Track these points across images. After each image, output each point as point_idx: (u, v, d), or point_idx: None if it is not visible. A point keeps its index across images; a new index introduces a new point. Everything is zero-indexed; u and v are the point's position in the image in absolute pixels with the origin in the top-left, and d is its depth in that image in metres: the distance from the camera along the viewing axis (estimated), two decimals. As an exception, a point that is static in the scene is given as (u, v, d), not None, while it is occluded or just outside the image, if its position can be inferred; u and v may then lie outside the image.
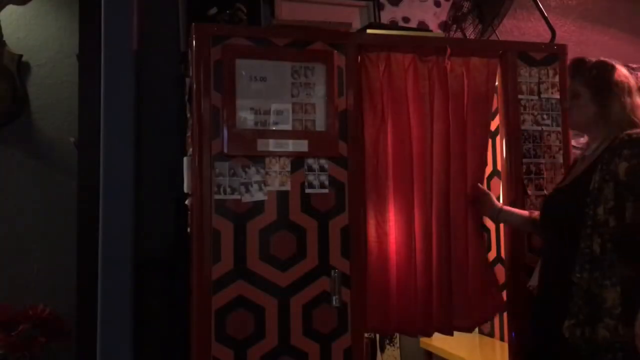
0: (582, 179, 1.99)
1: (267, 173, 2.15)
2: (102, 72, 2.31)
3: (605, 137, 1.99)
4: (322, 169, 2.20)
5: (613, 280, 1.84)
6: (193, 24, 2.17)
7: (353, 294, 2.18)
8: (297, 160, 2.18)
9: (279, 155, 2.17)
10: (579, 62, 2.10)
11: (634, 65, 3.70)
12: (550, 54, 2.48)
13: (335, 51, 2.24)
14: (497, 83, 2.48)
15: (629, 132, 1.92)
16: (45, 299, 2.74)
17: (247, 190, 2.13)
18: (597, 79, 2.02)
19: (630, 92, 2.00)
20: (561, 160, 2.43)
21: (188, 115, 2.37)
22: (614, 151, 1.90)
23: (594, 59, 2.09)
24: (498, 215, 2.34)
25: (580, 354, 1.87)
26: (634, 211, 1.84)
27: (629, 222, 1.85)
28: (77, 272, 2.55)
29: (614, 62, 2.07)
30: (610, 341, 1.83)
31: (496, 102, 2.52)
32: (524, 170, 2.39)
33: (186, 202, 2.35)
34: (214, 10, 2.36)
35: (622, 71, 2.04)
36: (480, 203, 2.37)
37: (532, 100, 2.44)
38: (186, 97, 2.42)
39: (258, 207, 2.14)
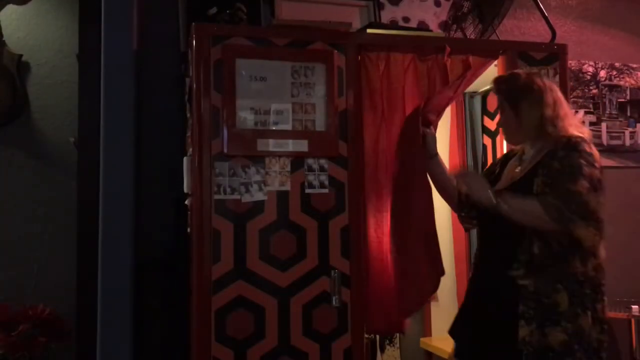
0: (523, 181, 2.00)
1: (267, 173, 2.15)
2: (102, 72, 2.31)
3: (544, 143, 2.00)
4: (322, 169, 2.20)
5: (564, 284, 1.88)
6: (193, 24, 2.17)
7: (353, 294, 2.18)
8: (297, 160, 2.18)
9: (279, 155, 2.16)
10: (496, 79, 2.15)
11: (634, 65, 3.70)
12: (550, 53, 2.48)
13: (335, 51, 2.23)
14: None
15: (570, 135, 1.96)
16: (45, 299, 2.74)
17: (247, 190, 2.13)
18: (509, 90, 2.07)
19: (542, 97, 2.02)
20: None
21: (188, 115, 2.37)
22: (552, 154, 1.94)
23: (508, 72, 2.17)
24: (431, 159, 2.30)
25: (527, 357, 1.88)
26: (544, 204, 1.87)
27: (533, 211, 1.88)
28: (77, 272, 2.54)
29: (526, 71, 2.16)
30: (569, 344, 1.86)
31: (496, 102, 2.52)
32: (524, 170, 2.38)
33: (186, 202, 2.35)
34: (214, 10, 2.36)
35: (535, 79, 2.07)
36: (424, 140, 2.30)
37: (532, 100, 2.43)
38: (186, 97, 2.42)
39: (258, 207, 2.14)
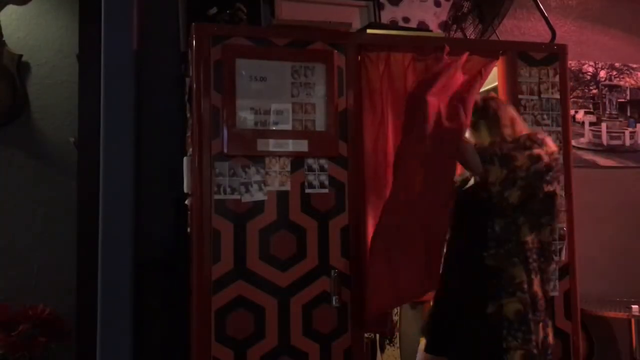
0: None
1: (267, 173, 2.15)
2: (102, 72, 2.31)
3: None
4: (322, 168, 2.20)
5: (520, 257, 2.02)
6: (193, 24, 2.17)
7: (353, 294, 2.18)
8: (297, 160, 2.18)
9: (279, 155, 2.17)
10: None
11: (634, 65, 3.70)
12: (550, 53, 2.48)
13: (335, 51, 2.24)
14: (497, 82, 2.49)
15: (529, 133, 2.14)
16: (45, 299, 2.74)
17: (247, 190, 2.13)
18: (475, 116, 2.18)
19: (499, 118, 2.17)
20: (561, 160, 2.42)
21: (188, 115, 2.37)
22: None
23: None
24: None
25: (493, 330, 2.00)
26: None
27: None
28: (77, 272, 2.55)
29: (483, 96, 2.27)
30: (523, 313, 1.99)
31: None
32: (524, 170, 2.38)
33: (186, 202, 2.35)
34: (214, 10, 2.36)
35: (490, 102, 2.21)
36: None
37: (532, 100, 2.44)
38: (186, 97, 2.42)
39: (258, 207, 2.14)
